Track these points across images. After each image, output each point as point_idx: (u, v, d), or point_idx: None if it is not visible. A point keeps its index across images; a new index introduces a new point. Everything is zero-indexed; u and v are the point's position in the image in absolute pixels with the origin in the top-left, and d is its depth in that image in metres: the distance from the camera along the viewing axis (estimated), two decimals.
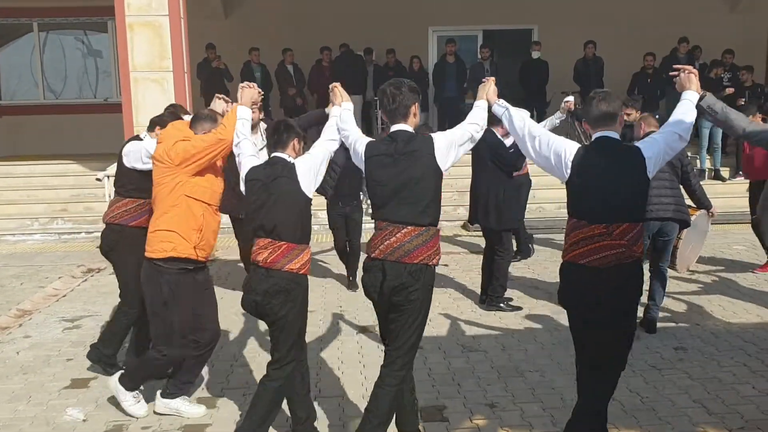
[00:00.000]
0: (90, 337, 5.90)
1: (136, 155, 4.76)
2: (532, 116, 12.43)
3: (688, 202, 5.99)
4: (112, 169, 8.64)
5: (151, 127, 4.87)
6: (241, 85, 4.28)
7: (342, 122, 3.89)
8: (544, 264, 8.05)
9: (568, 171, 3.40)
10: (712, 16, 14.26)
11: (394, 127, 3.60)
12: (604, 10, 13.82)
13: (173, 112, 5.10)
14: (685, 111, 3.52)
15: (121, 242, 4.88)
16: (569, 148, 3.44)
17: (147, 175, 4.43)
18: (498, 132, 6.19)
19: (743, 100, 10.85)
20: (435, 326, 5.94)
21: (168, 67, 8.50)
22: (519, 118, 3.67)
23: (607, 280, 3.29)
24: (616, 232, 3.28)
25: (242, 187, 3.81)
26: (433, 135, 3.60)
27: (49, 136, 13.57)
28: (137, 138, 5.05)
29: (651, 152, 3.37)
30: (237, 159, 3.98)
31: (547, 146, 3.48)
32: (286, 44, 13.00)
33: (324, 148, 3.85)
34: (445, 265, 7.88)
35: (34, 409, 4.56)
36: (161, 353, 4.22)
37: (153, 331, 4.33)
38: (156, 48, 8.47)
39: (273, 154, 3.82)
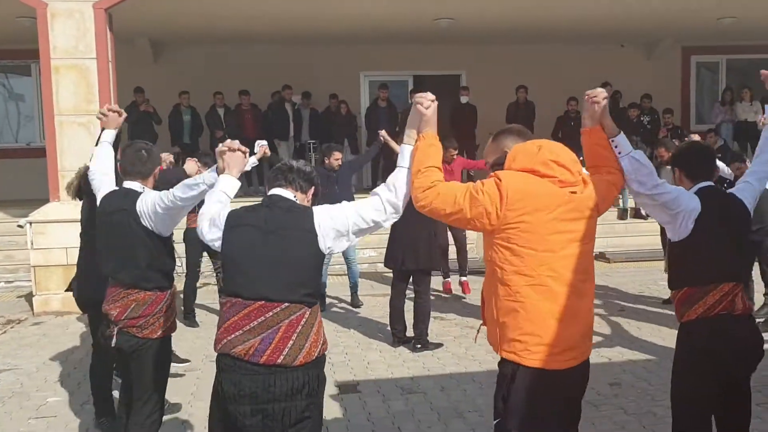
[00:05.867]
0: (9, 392, 5.59)
1: None
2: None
3: None
4: (35, 215, 8.37)
5: None
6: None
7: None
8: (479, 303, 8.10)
9: None
10: (630, 64, 14.95)
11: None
12: (528, 58, 14.28)
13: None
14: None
15: None
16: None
17: None
18: None
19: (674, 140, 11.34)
20: (372, 369, 5.88)
21: (95, 110, 8.27)
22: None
23: None
24: None
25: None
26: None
27: None
28: None
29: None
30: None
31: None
32: (217, 88, 12.94)
33: None
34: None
35: None
36: None
37: None
38: (82, 91, 8.27)
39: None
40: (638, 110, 13.13)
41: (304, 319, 2.79)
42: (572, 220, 2.70)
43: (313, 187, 3.08)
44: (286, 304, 2.78)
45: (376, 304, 8.11)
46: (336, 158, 7.71)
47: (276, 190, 2.99)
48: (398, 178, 2.90)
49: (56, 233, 8.23)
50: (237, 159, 3.15)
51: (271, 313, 2.77)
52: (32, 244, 8.28)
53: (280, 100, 13.20)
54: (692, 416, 3.21)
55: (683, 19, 12.50)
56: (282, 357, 2.75)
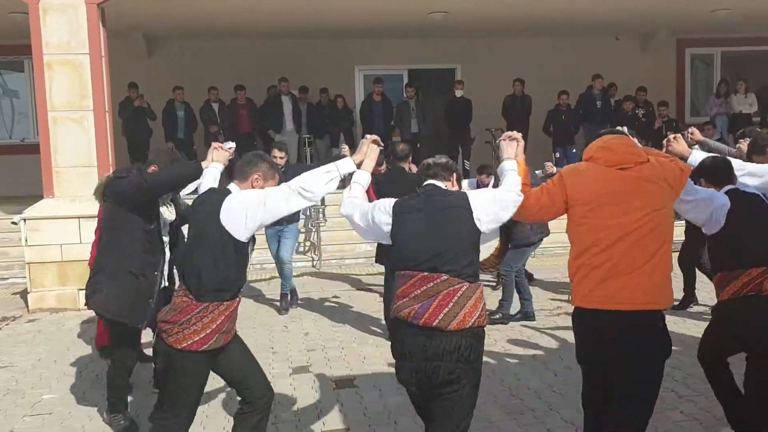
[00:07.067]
0: (4, 389, 5.57)
1: None
2: (457, 152, 12.85)
3: None
4: (29, 211, 8.33)
5: None
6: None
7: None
8: None
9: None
10: (625, 56, 14.93)
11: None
12: (523, 51, 14.24)
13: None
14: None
15: None
16: None
17: None
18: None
19: (669, 133, 11.39)
20: (369, 363, 5.87)
21: (88, 106, 8.27)
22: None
23: None
24: None
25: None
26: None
27: None
28: None
29: None
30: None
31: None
32: (211, 83, 12.89)
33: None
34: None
35: None
36: None
37: None
38: (76, 87, 8.23)
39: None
40: (633, 103, 13.13)
41: (460, 292, 3.12)
42: (625, 193, 3.16)
43: (454, 174, 3.46)
44: (445, 276, 3.13)
45: (371, 299, 8.11)
46: (274, 155, 7.38)
47: (427, 182, 3.40)
48: (509, 177, 3.41)
49: (51, 230, 8.20)
50: (377, 152, 3.64)
51: (432, 284, 3.13)
52: (27, 240, 8.26)
53: (276, 94, 13.16)
54: (709, 353, 4.15)
55: (678, 11, 12.49)
56: (437, 321, 3.09)
